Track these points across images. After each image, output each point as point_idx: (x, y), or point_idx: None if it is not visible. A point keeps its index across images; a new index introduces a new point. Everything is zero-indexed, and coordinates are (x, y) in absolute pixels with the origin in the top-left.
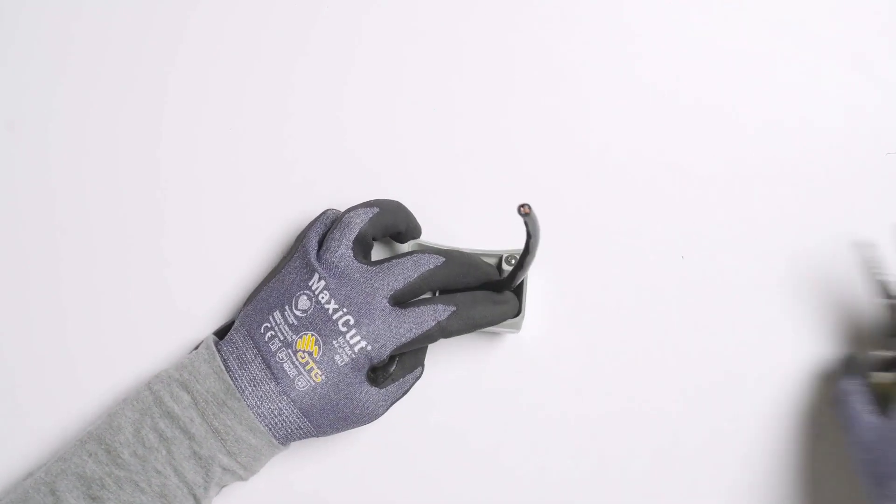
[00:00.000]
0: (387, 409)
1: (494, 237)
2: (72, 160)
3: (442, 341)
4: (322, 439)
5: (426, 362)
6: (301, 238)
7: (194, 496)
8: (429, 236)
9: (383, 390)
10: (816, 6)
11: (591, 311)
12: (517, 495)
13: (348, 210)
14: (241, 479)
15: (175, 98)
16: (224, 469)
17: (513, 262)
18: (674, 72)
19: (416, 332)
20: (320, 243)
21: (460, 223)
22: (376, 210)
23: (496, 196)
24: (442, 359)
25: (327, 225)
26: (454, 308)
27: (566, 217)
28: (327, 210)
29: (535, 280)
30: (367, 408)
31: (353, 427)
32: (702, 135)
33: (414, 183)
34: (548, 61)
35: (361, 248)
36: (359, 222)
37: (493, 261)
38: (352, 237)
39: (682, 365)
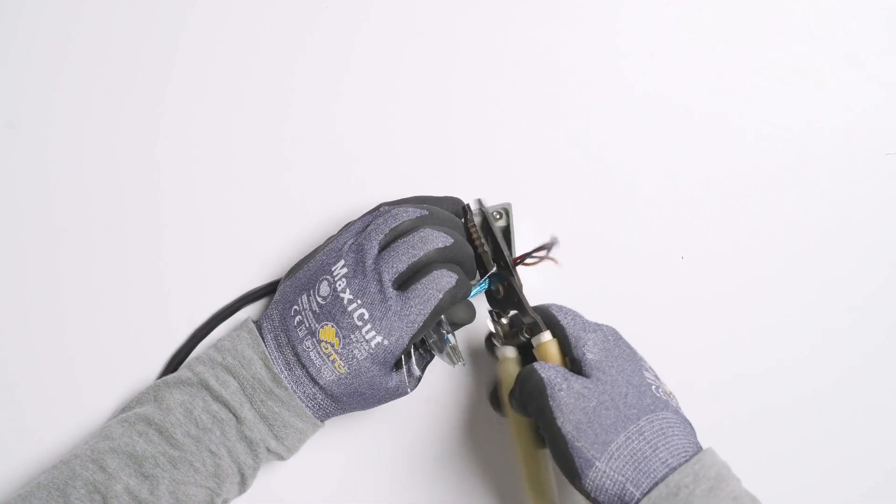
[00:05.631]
0: (416, 384)
1: None
2: (71, 160)
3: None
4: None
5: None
6: (349, 225)
7: (242, 475)
8: None
9: (407, 372)
10: (814, 8)
11: (590, 311)
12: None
13: (400, 204)
14: (283, 458)
15: (174, 98)
16: (270, 451)
17: (497, 215)
18: (672, 74)
19: (426, 311)
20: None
21: None
22: (426, 212)
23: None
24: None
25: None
26: (456, 276)
27: (566, 218)
28: (380, 205)
29: (535, 280)
30: (395, 390)
31: (383, 404)
32: (701, 136)
33: (411, 184)
34: (548, 64)
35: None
36: (404, 216)
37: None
38: (390, 227)
39: (681, 364)
